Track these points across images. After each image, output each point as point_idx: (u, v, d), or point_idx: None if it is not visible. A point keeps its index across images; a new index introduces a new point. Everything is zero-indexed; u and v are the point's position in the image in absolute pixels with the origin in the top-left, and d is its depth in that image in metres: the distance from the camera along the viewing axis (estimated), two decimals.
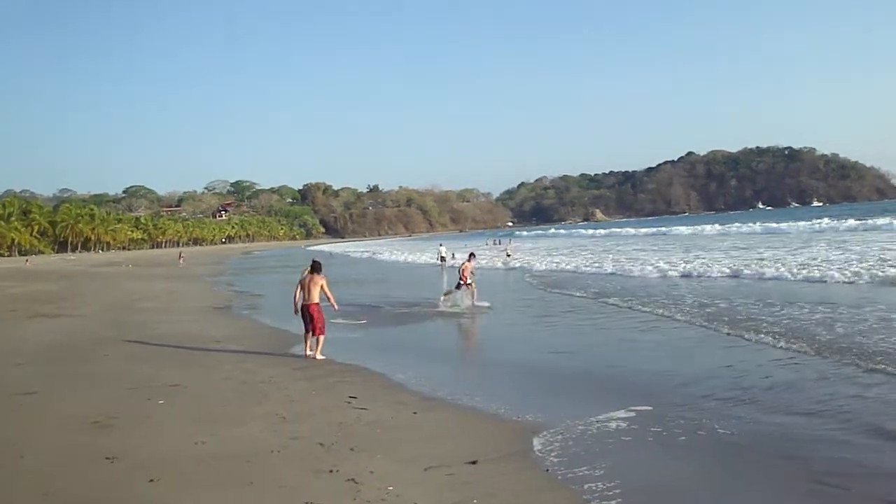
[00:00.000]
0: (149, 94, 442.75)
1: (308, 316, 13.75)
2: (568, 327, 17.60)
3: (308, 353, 13.90)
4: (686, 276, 29.01)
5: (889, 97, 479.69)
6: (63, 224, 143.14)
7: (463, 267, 22.70)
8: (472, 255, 24.26)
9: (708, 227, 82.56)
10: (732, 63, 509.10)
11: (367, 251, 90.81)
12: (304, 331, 14.09)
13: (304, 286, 13.87)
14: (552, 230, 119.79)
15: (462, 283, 22.22)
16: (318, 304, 13.81)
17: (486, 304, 21.89)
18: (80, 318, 22.47)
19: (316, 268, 13.96)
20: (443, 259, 49.07)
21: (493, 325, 19.44)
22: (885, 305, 16.92)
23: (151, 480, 6.81)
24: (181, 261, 77.19)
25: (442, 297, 22.56)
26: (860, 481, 6.66)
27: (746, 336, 14.28)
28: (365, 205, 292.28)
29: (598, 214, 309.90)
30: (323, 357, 13.60)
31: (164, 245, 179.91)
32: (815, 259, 31.61)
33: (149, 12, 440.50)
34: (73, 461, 7.55)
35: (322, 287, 13.82)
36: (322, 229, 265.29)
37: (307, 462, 7.38)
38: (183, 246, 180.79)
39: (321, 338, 13.79)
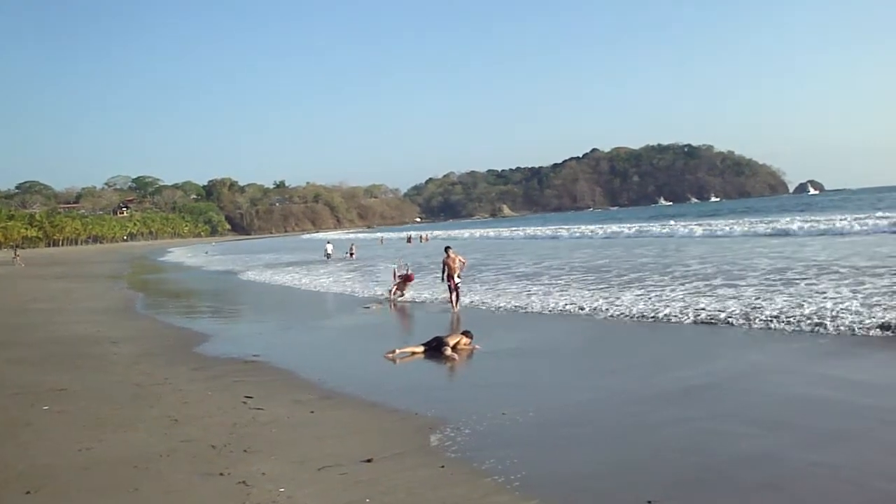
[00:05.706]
0: (43, 85, 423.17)
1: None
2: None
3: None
4: None
5: (780, 100, 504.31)
6: None
7: (451, 258, 20.50)
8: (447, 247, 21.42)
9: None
10: (634, 61, 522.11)
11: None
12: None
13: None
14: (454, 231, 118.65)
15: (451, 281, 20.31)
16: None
17: None
18: None
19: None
20: (328, 256, 50.77)
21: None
22: None
23: (28, 492, 6.45)
24: (17, 259, 68.80)
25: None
26: None
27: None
28: (272, 201, 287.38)
29: (506, 210, 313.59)
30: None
31: (62, 243, 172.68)
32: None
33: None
34: None
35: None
36: (228, 226, 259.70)
37: (197, 465, 7.14)
38: (82, 244, 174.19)
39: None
